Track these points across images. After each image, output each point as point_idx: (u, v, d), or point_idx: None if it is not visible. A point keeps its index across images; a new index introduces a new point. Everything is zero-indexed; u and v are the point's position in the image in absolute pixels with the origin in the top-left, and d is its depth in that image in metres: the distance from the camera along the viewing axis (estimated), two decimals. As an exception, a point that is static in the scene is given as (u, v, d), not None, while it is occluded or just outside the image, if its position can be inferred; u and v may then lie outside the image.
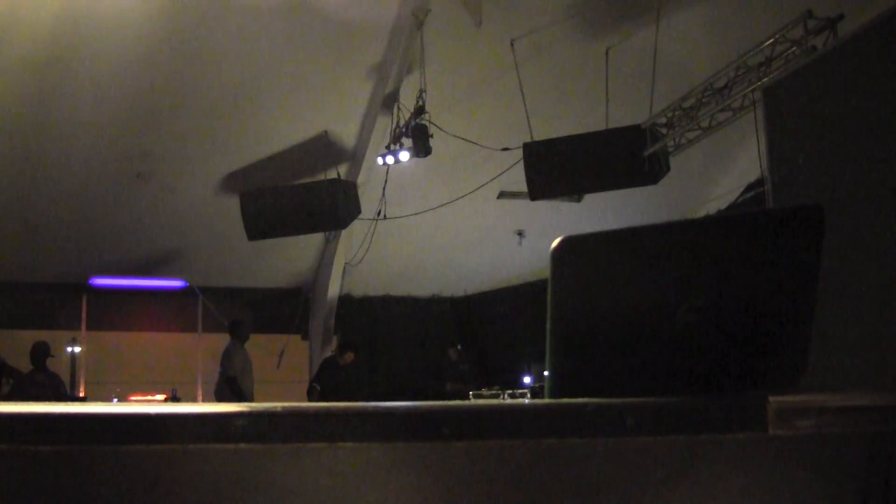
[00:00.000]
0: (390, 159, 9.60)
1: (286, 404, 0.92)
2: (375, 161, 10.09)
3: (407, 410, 0.94)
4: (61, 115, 9.25)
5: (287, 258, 12.32)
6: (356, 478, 0.92)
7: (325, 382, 9.78)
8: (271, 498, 0.90)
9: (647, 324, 1.13)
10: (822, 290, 1.13)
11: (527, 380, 11.12)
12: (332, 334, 12.62)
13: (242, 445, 0.89)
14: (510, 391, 9.81)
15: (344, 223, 10.25)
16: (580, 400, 1.02)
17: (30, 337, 9.39)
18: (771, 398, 1.03)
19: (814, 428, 1.04)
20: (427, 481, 0.94)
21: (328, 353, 11.28)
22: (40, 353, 8.70)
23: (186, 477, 0.89)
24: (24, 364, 8.82)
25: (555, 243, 1.08)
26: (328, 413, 0.92)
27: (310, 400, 9.66)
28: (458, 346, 11.62)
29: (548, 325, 1.11)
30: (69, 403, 1.02)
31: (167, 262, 11.83)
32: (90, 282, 11.80)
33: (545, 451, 0.97)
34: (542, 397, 1.19)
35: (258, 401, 7.97)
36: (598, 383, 1.11)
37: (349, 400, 6.47)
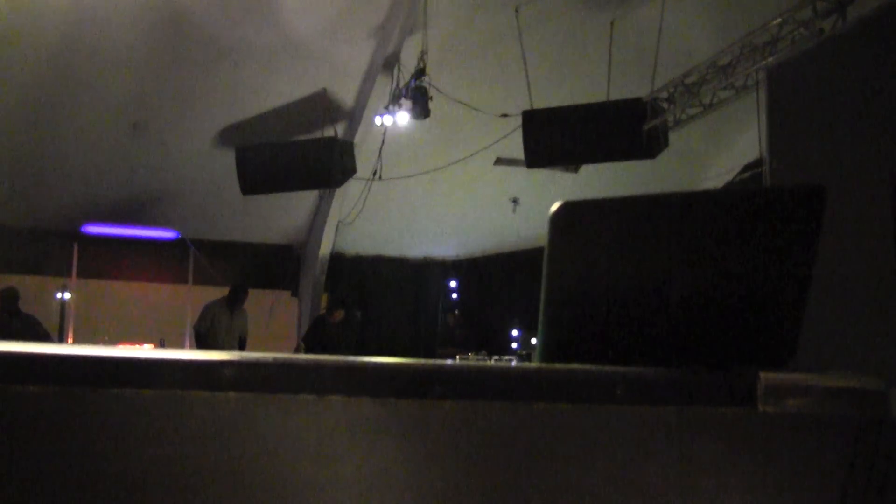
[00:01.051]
0: (388, 120, 9.55)
1: (277, 355, 0.91)
2: (373, 121, 10.04)
3: (398, 367, 0.94)
4: (61, 63, 9.17)
5: (280, 214, 12.29)
6: (344, 431, 0.92)
7: (315, 340, 9.81)
8: (257, 447, 0.90)
9: (642, 293, 1.13)
10: (817, 272, 1.13)
11: (514, 345, 11.19)
12: (323, 292, 12.63)
13: (231, 394, 0.89)
14: (496, 357, 9.85)
15: (339, 182, 10.22)
16: (572, 366, 1.02)
17: (19, 282, 9.35)
18: (762, 374, 1.03)
19: (802, 407, 1.04)
20: (415, 439, 0.94)
21: (321, 312, 11.30)
22: (10, 298, 8.62)
23: (173, 422, 0.89)
24: None
25: (554, 207, 1.08)
26: (318, 365, 0.91)
27: None
28: (456, 312, 11.69)
29: (542, 289, 1.10)
30: (56, 345, 1.02)
31: (160, 213, 11.78)
32: (82, 229, 11.75)
33: (535, 414, 0.96)
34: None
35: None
36: (590, 351, 1.11)
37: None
